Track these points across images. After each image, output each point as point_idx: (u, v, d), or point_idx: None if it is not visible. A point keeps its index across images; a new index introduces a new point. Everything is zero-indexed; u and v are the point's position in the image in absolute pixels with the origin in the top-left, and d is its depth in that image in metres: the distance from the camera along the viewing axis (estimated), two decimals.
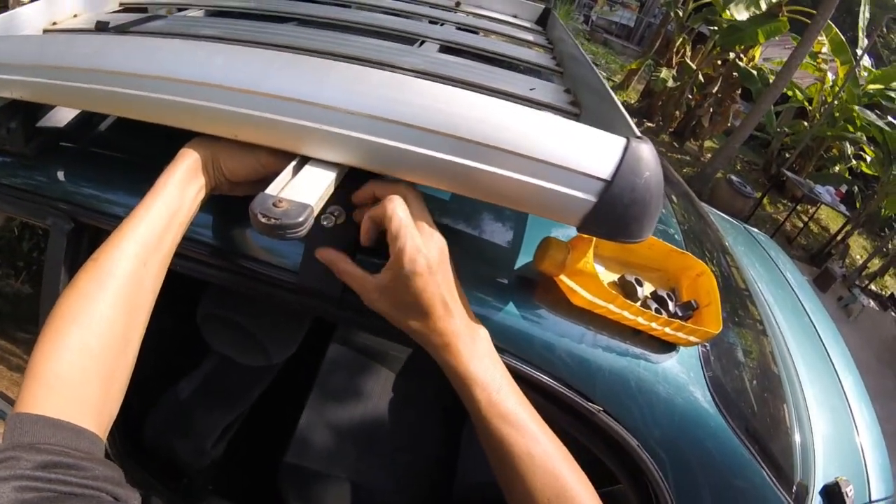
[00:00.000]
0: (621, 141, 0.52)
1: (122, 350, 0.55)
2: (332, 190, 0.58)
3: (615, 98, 0.69)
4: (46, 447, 0.45)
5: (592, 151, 0.52)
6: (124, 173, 0.85)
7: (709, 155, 8.75)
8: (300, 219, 0.50)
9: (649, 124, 9.31)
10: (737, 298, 1.30)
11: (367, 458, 1.43)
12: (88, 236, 0.88)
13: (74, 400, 0.50)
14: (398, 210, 0.57)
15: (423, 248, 0.56)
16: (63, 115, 0.88)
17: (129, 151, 0.87)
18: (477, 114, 0.53)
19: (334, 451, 1.41)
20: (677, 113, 8.71)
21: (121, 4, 1.16)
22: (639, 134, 0.54)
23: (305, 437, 1.40)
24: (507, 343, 0.71)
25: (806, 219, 7.91)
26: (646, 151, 0.52)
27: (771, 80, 7.19)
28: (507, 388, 0.59)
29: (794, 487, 0.88)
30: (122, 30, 0.97)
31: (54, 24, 1.00)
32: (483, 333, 0.61)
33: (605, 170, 0.51)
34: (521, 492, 0.57)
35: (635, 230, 0.53)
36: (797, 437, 1.07)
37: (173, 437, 1.32)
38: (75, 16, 1.05)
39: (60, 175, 0.85)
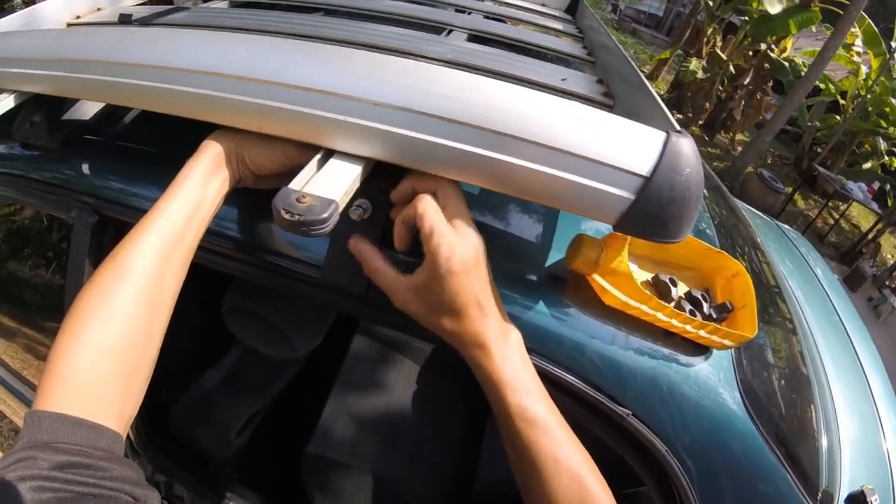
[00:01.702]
0: (661, 135, 0.50)
1: (144, 346, 0.55)
2: (357, 184, 0.56)
3: (651, 89, 0.67)
4: (64, 446, 0.44)
5: (630, 146, 0.49)
6: (148, 166, 0.85)
7: (739, 148, 8.60)
8: (324, 215, 0.48)
9: (679, 116, 9.17)
10: (767, 296, 1.27)
11: (389, 450, 1.42)
12: (112, 229, 0.88)
13: (94, 397, 0.49)
14: (429, 208, 0.55)
15: (458, 246, 0.54)
16: (87, 109, 0.89)
17: (153, 144, 0.87)
18: (510, 105, 0.51)
19: (356, 442, 1.41)
20: (707, 105, 8.56)
21: None
22: (678, 128, 0.52)
23: (328, 429, 1.40)
24: (536, 343, 0.69)
25: (837, 216, 7.74)
26: (686, 147, 0.50)
27: (803, 73, 7.03)
28: (538, 393, 0.58)
29: (820, 494, 0.86)
30: (145, 22, 0.97)
31: (78, 17, 1.00)
32: (516, 335, 0.59)
33: (643, 166, 0.49)
34: (543, 496, 0.56)
35: (673, 230, 0.51)
36: (824, 442, 1.04)
37: (198, 427, 1.33)
38: (98, 9, 1.05)
39: (84, 168, 0.85)
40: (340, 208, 0.51)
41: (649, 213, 0.50)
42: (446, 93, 0.52)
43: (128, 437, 1.08)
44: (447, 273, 0.54)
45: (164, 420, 1.33)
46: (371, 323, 0.82)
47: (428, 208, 0.55)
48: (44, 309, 1.27)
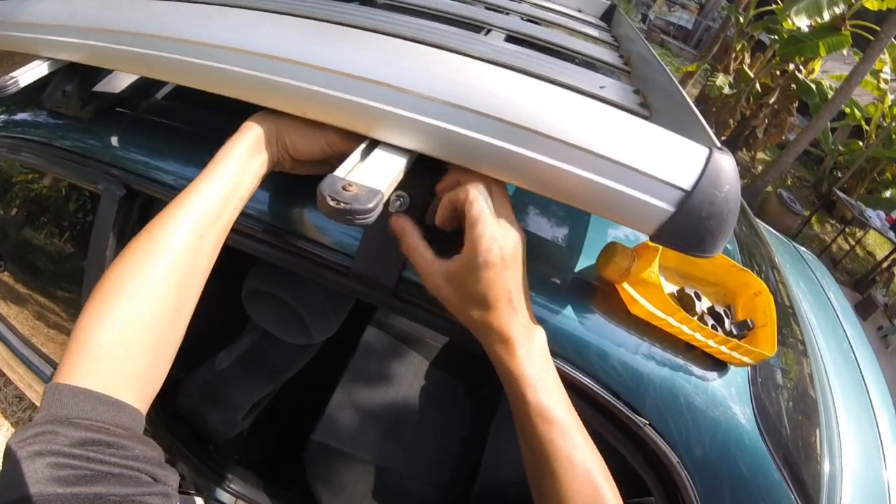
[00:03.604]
0: (704, 150, 0.50)
1: (171, 324, 0.54)
2: (401, 176, 0.56)
3: (690, 103, 0.66)
4: (85, 422, 0.44)
5: (674, 159, 0.49)
6: (179, 143, 0.85)
7: (760, 167, 8.52)
8: (370, 205, 0.48)
9: None
10: (782, 316, 1.26)
11: (394, 443, 1.43)
12: (140, 204, 0.88)
13: (118, 373, 0.49)
14: (480, 196, 0.55)
15: (500, 239, 0.54)
16: (120, 81, 0.88)
17: (185, 121, 0.87)
18: (559, 109, 0.51)
19: (361, 433, 1.42)
20: (731, 121, 8.47)
21: None
22: (720, 145, 0.52)
23: (334, 417, 1.41)
24: (560, 347, 0.69)
25: (853, 242, 7.67)
26: (727, 164, 0.50)
27: (829, 96, 6.96)
28: (557, 393, 0.58)
29: None
30: None
31: None
32: (541, 335, 0.59)
33: (686, 180, 0.49)
34: (554, 496, 0.56)
35: (709, 245, 0.51)
36: (826, 467, 1.04)
37: (207, 407, 1.34)
38: None
39: (115, 141, 0.85)
40: (385, 198, 0.52)
41: (688, 226, 0.50)
42: (496, 91, 0.52)
43: None
44: (484, 264, 0.54)
45: (171, 398, 1.34)
46: (399, 315, 0.83)
47: (479, 196, 0.55)
48: (56, 277, 1.28)
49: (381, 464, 1.39)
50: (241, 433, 1.47)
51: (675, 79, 0.78)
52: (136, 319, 0.51)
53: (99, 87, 0.86)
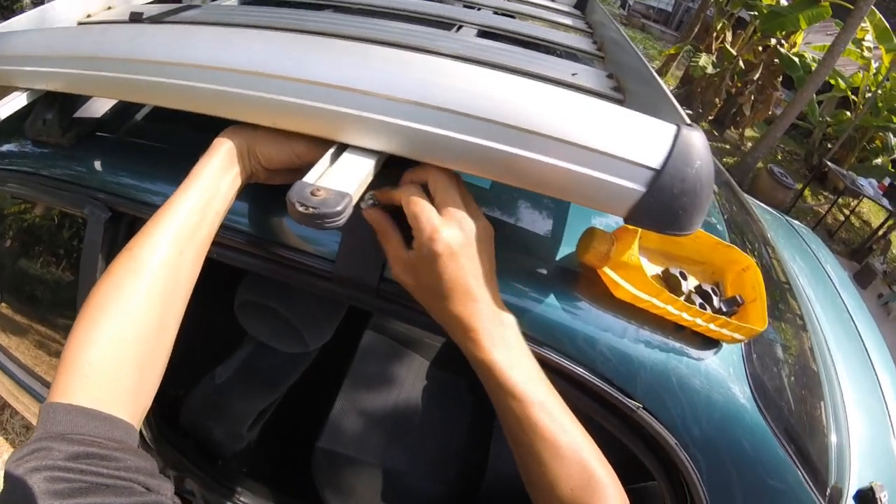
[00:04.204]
0: (671, 128, 0.50)
1: (158, 338, 0.55)
2: (371, 178, 0.57)
3: (662, 83, 0.67)
4: (78, 437, 0.45)
5: (641, 139, 0.50)
6: (160, 162, 0.85)
7: (749, 144, 8.53)
8: (338, 208, 0.49)
9: (688, 111, 9.11)
10: (778, 292, 1.26)
11: (399, 444, 1.43)
12: (125, 225, 0.89)
13: (108, 389, 0.50)
14: (411, 193, 0.56)
15: (443, 229, 0.54)
16: (99, 106, 0.89)
17: (164, 141, 0.88)
18: (520, 99, 0.51)
19: (366, 437, 1.42)
20: (717, 100, 8.48)
21: None
22: (689, 121, 0.52)
23: (338, 423, 1.41)
24: (547, 336, 0.69)
25: (847, 212, 7.69)
26: (697, 139, 0.50)
27: (813, 68, 6.98)
28: (533, 376, 0.58)
29: (829, 490, 0.86)
30: (156, 20, 0.97)
31: (88, 16, 1.01)
32: (509, 321, 0.59)
33: (654, 158, 0.49)
34: (544, 481, 0.56)
35: (685, 222, 0.51)
36: (833, 438, 1.04)
37: (209, 421, 1.34)
38: (109, 7, 1.06)
39: (97, 165, 0.86)
40: (354, 201, 0.52)
41: (660, 205, 0.50)
42: (459, 87, 0.52)
43: (140, 431, 1.09)
44: (429, 254, 0.55)
45: (175, 415, 1.35)
46: (384, 315, 0.83)
47: (410, 192, 0.56)
48: (56, 305, 1.28)
49: (388, 466, 1.39)
50: (249, 445, 1.47)
51: (645, 60, 0.78)
52: (122, 336, 0.52)
53: (79, 114, 0.86)
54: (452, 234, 0.55)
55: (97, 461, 0.44)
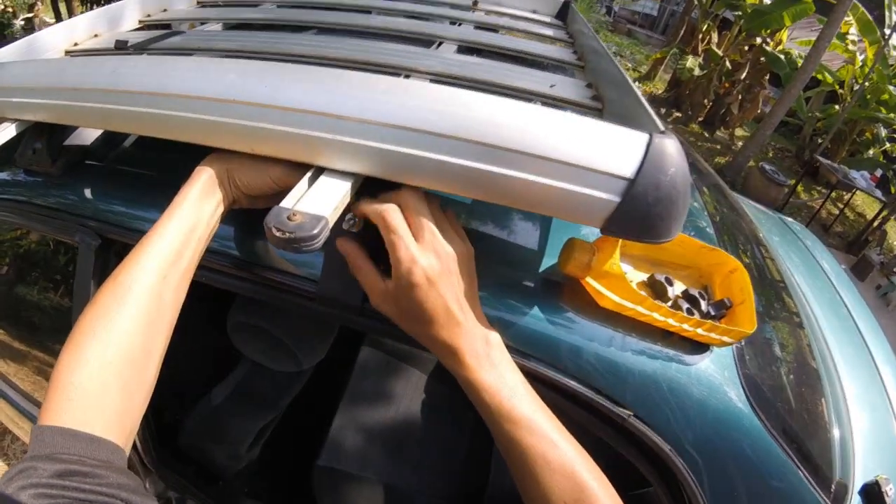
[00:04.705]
0: (643, 137, 0.51)
1: (144, 362, 0.56)
2: (348, 200, 0.57)
3: (637, 91, 0.67)
4: (63, 456, 0.46)
5: (614, 149, 0.50)
6: (148, 190, 0.86)
7: (740, 143, 8.56)
8: (314, 231, 0.49)
9: (678, 114, 9.15)
10: (772, 291, 1.26)
11: (399, 460, 1.43)
12: (115, 252, 0.90)
13: (93, 411, 0.51)
14: (388, 219, 0.56)
15: (421, 258, 0.55)
16: (88, 135, 0.90)
17: (152, 168, 0.89)
18: (491, 117, 0.52)
19: (366, 453, 1.41)
20: (706, 101, 8.54)
21: (140, 22, 1.18)
22: (662, 128, 0.52)
23: (338, 440, 1.41)
24: (534, 348, 0.69)
25: (841, 206, 7.70)
26: (670, 146, 0.50)
27: (800, 65, 7.02)
28: (521, 393, 0.58)
29: (833, 486, 0.85)
30: (140, 48, 0.98)
31: (75, 44, 1.01)
32: (494, 338, 0.60)
33: (627, 168, 0.49)
34: (537, 495, 0.56)
35: (662, 230, 0.51)
36: (836, 434, 1.04)
37: (208, 443, 1.34)
38: (96, 35, 1.07)
39: (87, 193, 0.87)
40: (330, 224, 0.52)
41: (636, 214, 0.50)
42: (429, 107, 0.53)
43: (138, 455, 1.10)
44: (408, 285, 0.55)
45: (174, 438, 1.35)
46: (371, 334, 0.83)
47: (394, 219, 0.56)
48: (53, 331, 1.29)
49: (389, 482, 1.39)
50: (249, 465, 1.47)
51: (621, 67, 0.79)
52: (108, 360, 0.53)
53: (69, 142, 0.87)
54: (430, 262, 0.55)
55: (80, 478, 0.45)
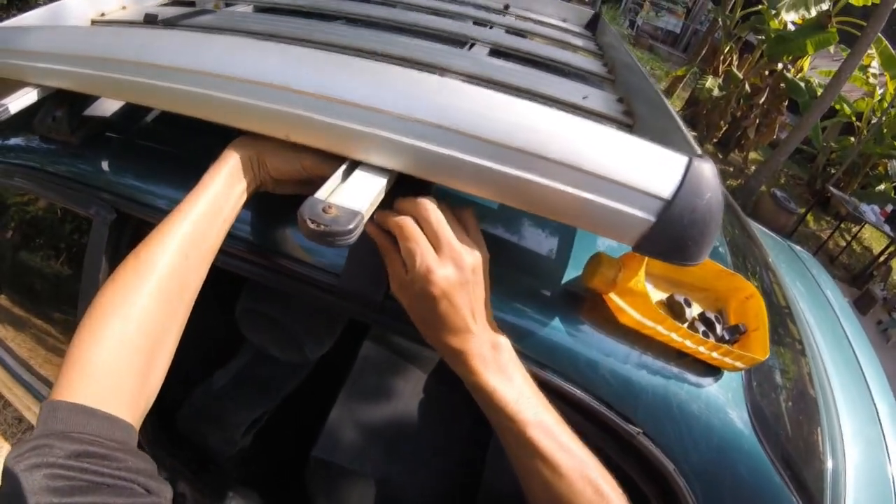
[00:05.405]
0: (683, 159, 0.50)
1: (161, 342, 0.56)
2: (382, 196, 0.57)
3: (672, 111, 0.67)
4: (79, 436, 0.45)
5: (653, 169, 0.50)
6: (168, 166, 0.85)
7: (753, 167, 8.54)
8: (350, 226, 0.49)
9: (693, 133, 9.08)
10: (778, 317, 1.26)
11: (394, 457, 1.42)
12: (131, 227, 0.89)
13: (111, 389, 0.50)
14: (407, 227, 0.56)
15: (438, 269, 0.55)
16: (109, 106, 0.90)
17: (173, 145, 0.88)
18: (537, 124, 0.51)
19: (361, 448, 1.41)
20: (722, 123, 8.51)
21: None
22: (700, 152, 0.52)
23: (334, 433, 1.41)
24: (550, 359, 0.69)
25: (849, 238, 7.68)
26: (708, 171, 0.50)
27: (819, 94, 7.00)
28: (528, 396, 0.58)
29: None
30: (170, 23, 0.97)
31: (102, 15, 1.01)
32: (504, 343, 0.60)
33: (666, 189, 0.49)
34: (547, 499, 0.55)
35: (693, 252, 0.51)
36: (829, 465, 1.03)
37: (205, 426, 1.34)
38: (124, 7, 1.06)
39: (105, 165, 0.86)
40: (365, 220, 0.52)
41: (669, 235, 0.50)
42: (474, 110, 0.52)
43: None
44: (423, 292, 0.55)
45: (170, 418, 1.34)
46: (386, 331, 0.82)
47: (412, 231, 0.56)
48: (54, 299, 1.28)
49: (383, 478, 1.38)
50: (243, 452, 1.46)
51: (656, 85, 0.79)
52: (127, 338, 0.53)
53: (89, 112, 0.87)
54: (447, 273, 0.55)
55: (98, 460, 0.44)
